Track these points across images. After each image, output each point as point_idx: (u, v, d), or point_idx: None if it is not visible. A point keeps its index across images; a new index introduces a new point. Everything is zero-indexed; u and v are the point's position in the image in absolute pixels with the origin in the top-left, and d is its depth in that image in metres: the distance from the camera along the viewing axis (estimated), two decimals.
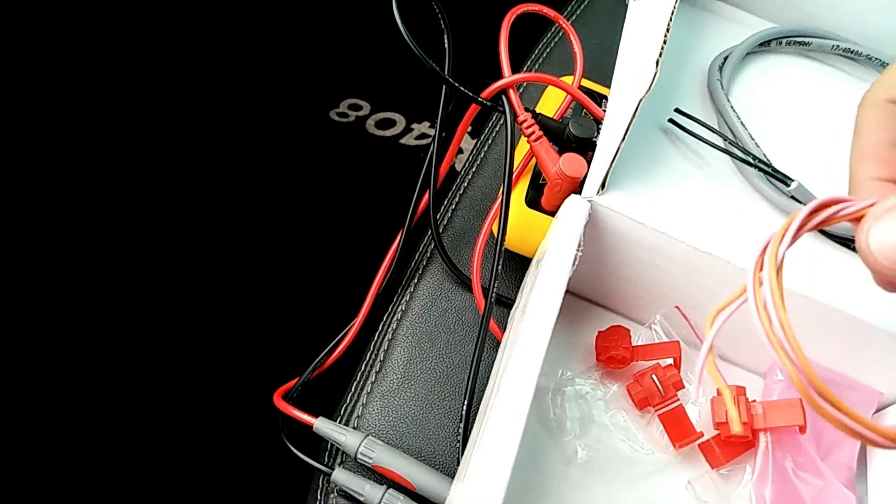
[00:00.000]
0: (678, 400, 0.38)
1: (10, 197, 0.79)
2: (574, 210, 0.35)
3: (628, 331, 0.40)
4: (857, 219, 0.21)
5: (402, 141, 1.04)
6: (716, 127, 0.41)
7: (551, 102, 0.43)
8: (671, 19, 0.34)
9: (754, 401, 0.37)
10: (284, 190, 0.93)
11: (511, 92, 0.39)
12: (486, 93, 0.39)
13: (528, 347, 0.30)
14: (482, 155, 0.49)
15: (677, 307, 0.41)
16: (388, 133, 1.05)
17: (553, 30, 0.56)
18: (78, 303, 0.76)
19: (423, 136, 1.04)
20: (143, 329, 0.74)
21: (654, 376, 0.38)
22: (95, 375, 0.70)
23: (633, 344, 0.40)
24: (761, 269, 0.21)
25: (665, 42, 0.33)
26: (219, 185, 0.91)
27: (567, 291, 0.43)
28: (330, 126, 1.04)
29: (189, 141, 0.95)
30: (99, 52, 0.94)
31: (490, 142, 0.50)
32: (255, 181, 0.93)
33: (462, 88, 0.38)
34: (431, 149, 0.42)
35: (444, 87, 0.41)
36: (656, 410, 0.38)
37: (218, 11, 1.05)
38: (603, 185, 0.36)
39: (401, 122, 1.06)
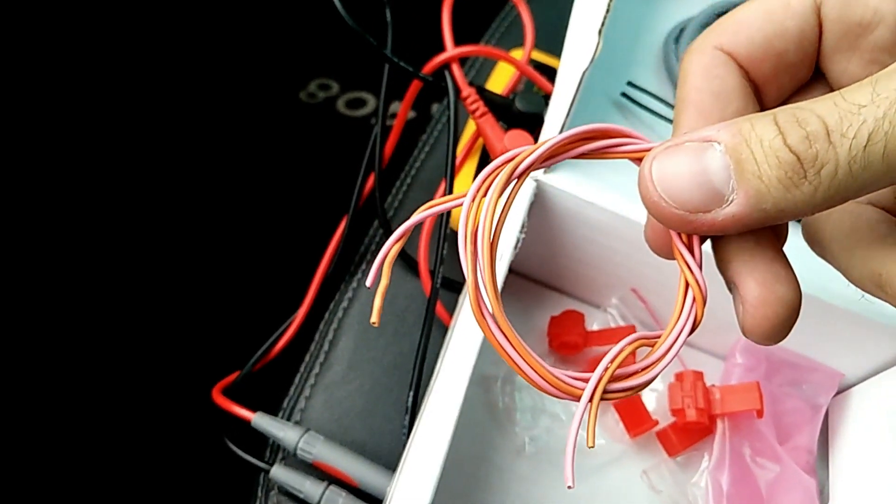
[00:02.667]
0: None
1: (2, 195, 0.77)
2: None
3: (582, 315, 0.38)
4: (639, 159, 0.19)
5: (374, 121, 1.02)
6: (670, 101, 0.39)
7: (502, 79, 0.42)
8: None
9: (713, 385, 0.35)
10: (256, 173, 0.91)
11: (454, 66, 0.37)
12: (427, 68, 0.37)
13: (467, 332, 0.29)
14: (434, 134, 0.47)
15: (634, 289, 0.39)
16: (359, 113, 1.03)
17: (507, 8, 0.53)
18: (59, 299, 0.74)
19: (394, 115, 1.02)
20: (85, 318, 0.72)
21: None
22: (32, 371, 0.68)
23: (588, 329, 0.39)
24: (494, 174, 0.18)
25: (608, 11, 0.31)
26: (185, 170, 0.89)
27: (518, 274, 0.42)
28: (299, 107, 1.02)
29: (157, 126, 0.92)
30: (70, 36, 0.91)
31: (441, 120, 0.48)
32: (220, 164, 0.91)
33: (401, 63, 0.36)
34: (375, 130, 0.40)
35: (385, 64, 0.39)
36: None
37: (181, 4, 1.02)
38: None
39: (371, 101, 1.03)
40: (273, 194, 0.89)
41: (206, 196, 0.87)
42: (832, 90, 0.17)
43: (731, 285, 0.18)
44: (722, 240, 0.18)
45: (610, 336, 0.38)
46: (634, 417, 0.36)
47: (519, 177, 0.18)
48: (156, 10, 0.99)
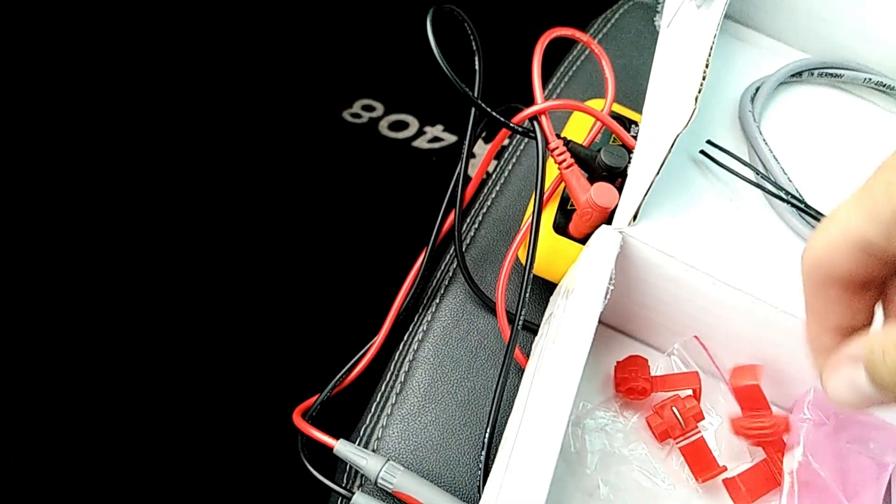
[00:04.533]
0: (699, 432, 0.38)
1: (13, 199, 0.79)
2: (606, 242, 0.35)
3: (646, 360, 0.40)
4: None
5: (415, 144, 1.04)
6: (747, 158, 0.40)
7: (579, 126, 0.43)
8: (710, 55, 0.34)
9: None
10: (298, 194, 0.93)
11: (543, 118, 0.38)
12: (517, 118, 0.39)
13: (559, 386, 0.30)
14: (506, 173, 0.49)
15: (696, 336, 0.41)
16: (400, 135, 1.04)
17: (577, 49, 0.55)
18: (92, 319, 0.75)
19: (435, 139, 1.03)
20: (162, 343, 0.74)
21: (674, 408, 0.38)
22: (109, 391, 0.70)
23: (652, 373, 0.40)
24: None
25: (704, 78, 0.33)
26: (233, 189, 0.91)
27: None
28: (343, 127, 1.04)
29: (201, 142, 0.94)
30: (110, 57, 0.94)
31: (514, 160, 0.49)
32: (269, 184, 0.93)
33: (494, 114, 0.38)
34: (458, 168, 0.42)
35: (472, 109, 0.41)
36: (677, 443, 0.38)
37: (234, 9, 1.04)
38: (635, 217, 0.36)
39: (414, 124, 1.05)
40: (341, 219, 0.90)
41: (271, 218, 0.88)
42: None
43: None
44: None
45: (674, 382, 0.40)
46: (701, 462, 0.37)
47: None
48: (210, 19, 1.02)
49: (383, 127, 1.05)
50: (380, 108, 1.06)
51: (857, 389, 0.22)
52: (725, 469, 0.37)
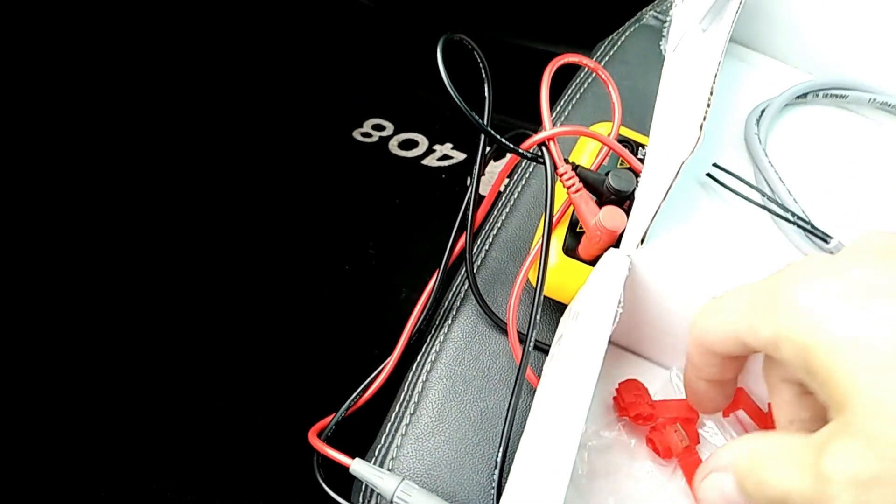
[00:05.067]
0: (696, 454, 0.39)
1: (13, 199, 0.80)
2: (614, 265, 0.36)
3: (644, 387, 0.40)
4: None
5: (425, 162, 1.05)
6: (753, 181, 0.41)
7: (586, 150, 0.44)
8: (715, 82, 0.34)
9: None
10: (309, 210, 0.94)
11: (552, 144, 0.39)
12: (526, 145, 0.39)
13: (569, 410, 0.31)
14: (515, 195, 0.50)
15: None
16: (410, 154, 1.06)
17: (584, 72, 0.56)
18: (95, 320, 0.77)
19: (445, 157, 1.05)
20: (175, 361, 0.75)
21: (678, 425, 0.38)
22: (111, 392, 0.71)
23: (651, 389, 0.40)
24: None
25: (709, 105, 0.34)
26: (244, 204, 0.92)
27: None
28: (353, 146, 1.05)
29: (211, 159, 0.96)
30: (127, 87, 0.95)
31: (523, 182, 0.50)
32: (280, 200, 0.94)
33: (503, 141, 0.39)
34: (469, 192, 0.43)
35: (482, 136, 0.42)
36: (680, 460, 0.39)
37: (246, 31, 1.06)
38: (643, 241, 0.36)
39: (423, 143, 1.06)
40: (352, 238, 0.92)
41: (282, 236, 0.89)
42: None
43: None
44: None
45: (677, 407, 0.40)
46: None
47: None
48: (219, 38, 1.03)
49: (393, 146, 1.06)
50: (389, 128, 1.08)
51: (724, 496, 0.26)
52: None
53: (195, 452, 0.67)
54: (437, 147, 1.05)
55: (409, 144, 1.06)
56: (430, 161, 1.04)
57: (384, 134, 1.07)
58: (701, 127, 0.33)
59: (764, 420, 0.40)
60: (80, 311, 0.76)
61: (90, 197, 0.85)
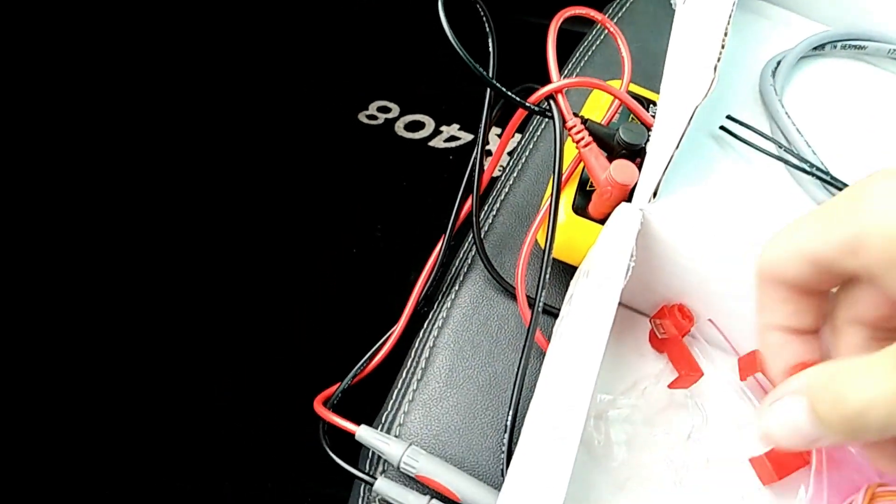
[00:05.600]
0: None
1: (13, 199, 0.80)
2: (625, 219, 0.34)
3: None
4: None
5: (431, 143, 1.04)
6: (769, 133, 0.39)
7: (597, 107, 0.43)
8: (729, 23, 0.33)
9: None
10: (316, 194, 0.93)
11: (560, 97, 0.38)
12: (533, 98, 0.38)
13: (580, 368, 0.30)
14: (524, 159, 0.48)
15: (710, 320, 0.40)
16: (417, 136, 1.04)
17: (594, 31, 0.55)
18: (93, 318, 0.76)
19: (452, 138, 1.03)
20: (181, 333, 0.74)
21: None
22: (130, 383, 0.70)
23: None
24: None
25: (723, 46, 0.32)
26: (251, 190, 0.92)
27: None
28: (359, 128, 1.04)
29: (214, 146, 0.95)
30: (125, 65, 0.95)
31: (531, 146, 0.49)
32: (287, 185, 0.93)
33: (510, 94, 0.38)
34: (475, 153, 0.42)
35: (488, 91, 0.40)
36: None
37: (248, 13, 1.05)
38: (655, 194, 0.35)
39: (430, 124, 1.05)
40: (359, 216, 0.91)
41: (290, 216, 0.89)
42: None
43: None
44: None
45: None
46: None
47: None
48: (225, 21, 1.02)
49: (399, 128, 1.05)
50: (395, 109, 1.06)
51: (795, 427, 0.23)
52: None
53: (200, 436, 0.67)
54: (443, 128, 1.04)
55: (415, 126, 1.05)
56: (437, 143, 1.03)
57: (390, 116, 1.05)
58: (715, 69, 0.32)
59: None
60: (72, 302, 0.75)
61: (84, 183, 0.84)
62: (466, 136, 1.03)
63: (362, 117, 1.05)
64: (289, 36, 1.07)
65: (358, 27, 1.10)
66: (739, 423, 0.38)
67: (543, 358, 0.39)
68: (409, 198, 0.95)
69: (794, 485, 0.36)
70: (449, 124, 1.04)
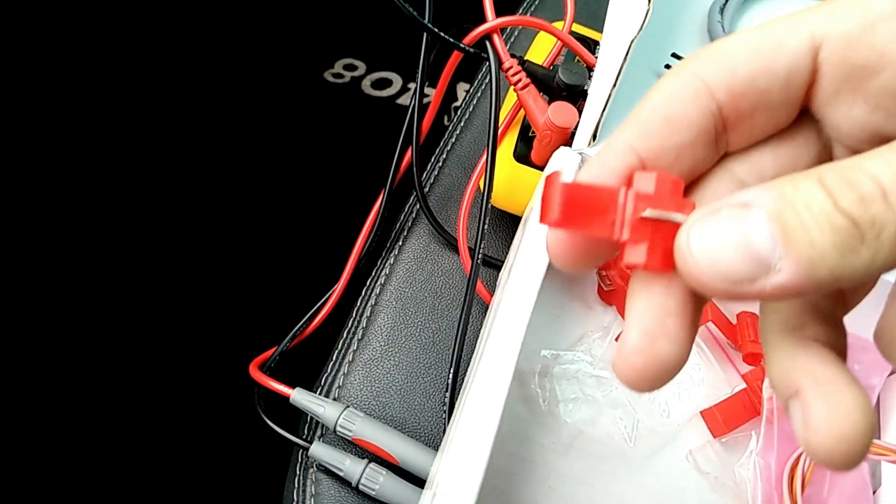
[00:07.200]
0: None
1: (12, 199, 0.77)
2: (563, 164, 0.32)
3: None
4: None
5: (399, 101, 1.01)
6: None
7: (542, 50, 0.40)
8: None
9: None
10: (274, 152, 0.91)
11: (495, 37, 0.36)
12: (468, 39, 0.36)
13: (512, 318, 0.28)
14: (470, 109, 0.46)
15: None
16: (384, 93, 1.02)
17: None
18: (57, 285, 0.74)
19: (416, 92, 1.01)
20: (112, 299, 0.72)
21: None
22: (62, 351, 0.68)
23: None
24: None
25: None
26: (208, 148, 0.89)
27: None
28: (325, 87, 1.01)
29: (177, 104, 0.92)
30: (80, 29, 0.91)
31: (479, 94, 0.47)
32: (248, 143, 0.91)
33: (442, 34, 0.36)
34: (412, 102, 0.40)
35: (424, 34, 0.38)
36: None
37: None
38: (594, 137, 0.33)
39: (397, 81, 1.02)
40: (305, 174, 0.89)
41: (240, 174, 0.87)
42: (822, 135, 0.18)
43: (788, 397, 0.17)
44: (782, 345, 0.17)
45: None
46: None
47: None
48: None
49: (366, 86, 1.02)
50: (362, 67, 1.03)
51: (750, 253, 0.15)
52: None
53: (136, 404, 0.65)
54: (411, 85, 1.01)
55: (382, 84, 1.02)
56: (405, 100, 1.00)
57: (356, 74, 1.02)
58: (649, 0, 0.30)
59: (733, 332, 0.37)
60: (63, 302, 0.73)
61: (75, 168, 0.82)
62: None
63: (328, 76, 1.02)
64: None
65: None
66: (691, 376, 0.37)
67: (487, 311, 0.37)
68: (370, 157, 0.93)
69: (746, 436, 0.35)
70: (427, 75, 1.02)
